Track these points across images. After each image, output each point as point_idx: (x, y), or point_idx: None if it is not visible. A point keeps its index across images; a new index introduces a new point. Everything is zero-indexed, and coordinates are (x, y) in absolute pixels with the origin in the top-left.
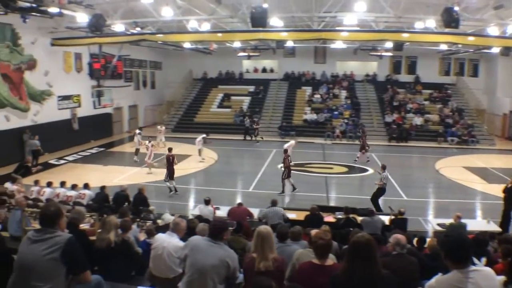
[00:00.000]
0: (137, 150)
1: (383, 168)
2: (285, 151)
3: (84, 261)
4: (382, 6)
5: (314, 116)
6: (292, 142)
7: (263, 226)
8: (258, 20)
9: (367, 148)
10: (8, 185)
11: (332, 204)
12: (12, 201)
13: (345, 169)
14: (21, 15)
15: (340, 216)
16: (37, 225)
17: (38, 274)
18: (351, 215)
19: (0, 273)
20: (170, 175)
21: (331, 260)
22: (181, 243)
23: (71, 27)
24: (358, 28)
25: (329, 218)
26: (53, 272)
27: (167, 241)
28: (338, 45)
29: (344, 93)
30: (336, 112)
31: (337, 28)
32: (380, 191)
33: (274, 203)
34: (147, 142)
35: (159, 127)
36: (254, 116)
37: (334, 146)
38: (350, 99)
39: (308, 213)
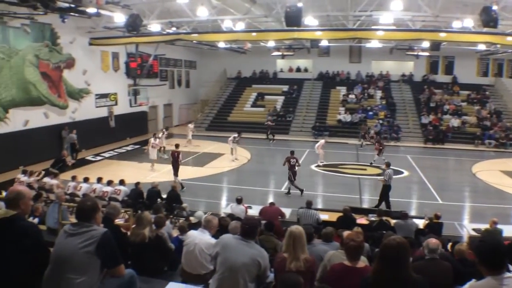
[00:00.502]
0: (163, 147)
1: (388, 165)
2: (292, 152)
3: (118, 255)
4: (419, 4)
5: (348, 117)
6: (322, 141)
7: (295, 226)
8: (293, 19)
9: (381, 148)
10: (47, 179)
11: (365, 206)
12: (49, 195)
13: (379, 171)
14: (60, 15)
15: (373, 219)
16: (73, 219)
17: (74, 267)
18: (384, 218)
19: (36, 265)
20: (175, 171)
21: (362, 262)
22: (213, 240)
23: (109, 27)
24: (394, 27)
25: (361, 220)
26: (88, 265)
27: (199, 237)
28: (374, 44)
29: (379, 93)
30: (371, 113)
31: (372, 27)
32: (386, 188)
33: (309, 204)
34: (152, 139)
35: (190, 125)
36: (270, 114)
37: (368, 147)
38: (386, 100)
39: (340, 214)
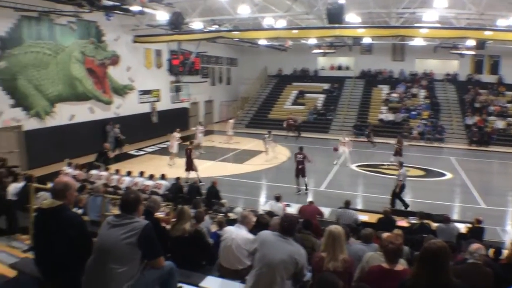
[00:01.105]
0: (199, 144)
1: (400, 165)
2: (300, 148)
3: (159, 247)
4: (463, 2)
5: (390, 116)
6: (347, 139)
7: (334, 226)
8: (335, 17)
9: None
10: (94, 171)
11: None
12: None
13: (421, 173)
14: (105, 13)
15: (414, 221)
16: (116, 211)
17: (116, 257)
18: (425, 221)
19: (80, 254)
20: (188, 167)
21: (401, 265)
22: (250, 235)
23: (152, 24)
24: (438, 25)
25: (402, 222)
26: (129, 256)
27: (236, 233)
28: (417, 42)
29: (423, 93)
30: (414, 112)
31: (416, 25)
32: (402, 187)
33: (347, 204)
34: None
35: (230, 121)
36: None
37: (410, 147)
38: (429, 99)
39: (380, 215)
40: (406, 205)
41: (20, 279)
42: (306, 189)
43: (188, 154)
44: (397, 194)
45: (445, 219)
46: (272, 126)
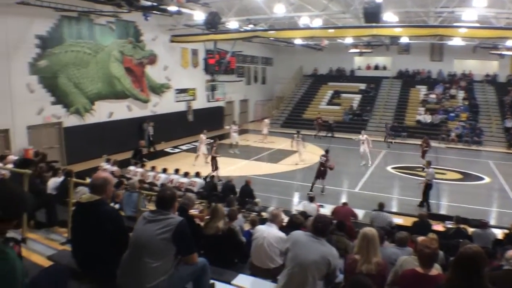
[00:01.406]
0: (235, 143)
1: (429, 164)
2: (327, 151)
3: (193, 244)
4: (503, 1)
5: (428, 117)
6: (365, 136)
7: (368, 228)
8: (372, 16)
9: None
10: (132, 168)
11: (442, 212)
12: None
13: (459, 176)
14: (143, 13)
15: (450, 226)
16: (151, 207)
17: (150, 252)
18: (461, 226)
19: (116, 248)
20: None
21: (436, 270)
22: (281, 233)
23: (189, 24)
24: (477, 25)
25: (438, 226)
26: (164, 251)
27: (267, 231)
28: (456, 42)
29: (461, 94)
30: (452, 114)
31: (455, 24)
32: (428, 187)
33: (381, 207)
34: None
35: (266, 120)
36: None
37: (448, 150)
38: (468, 101)
39: (416, 219)
40: (427, 205)
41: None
42: (322, 192)
43: (214, 151)
44: (425, 193)
45: (482, 224)
46: (307, 126)
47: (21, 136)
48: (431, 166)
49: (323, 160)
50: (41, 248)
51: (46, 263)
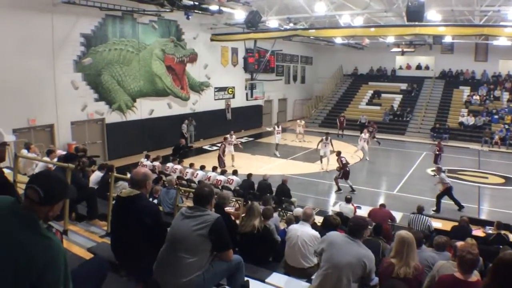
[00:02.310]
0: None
1: (439, 170)
2: (338, 153)
3: (228, 241)
4: None
5: (471, 119)
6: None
7: (405, 231)
8: (414, 14)
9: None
10: (170, 164)
11: (483, 217)
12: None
13: (501, 180)
14: (185, 12)
15: (490, 231)
16: (188, 203)
17: (187, 247)
18: (502, 232)
19: (154, 242)
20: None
21: (475, 276)
22: (315, 232)
23: (229, 23)
24: None
25: (478, 231)
26: (200, 247)
27: (301, 230)
28: (502, 42)
29: (506, 96)
30: (495, 116)
31: (501, 24)
32: (448, 190)
33: (420, 210)
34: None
35: (298, 121)
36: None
37: (491, 153)
38: None
39: (455, 223)
40: (460, 206)
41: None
42: (338, 190)
43: (222, 149)
44: (443, 196)
45: None
46: (346, 126)
47: (65, 131)
48: (442, 172)
49: (344, 160)
50: (81, 240)
51: (86, 254)
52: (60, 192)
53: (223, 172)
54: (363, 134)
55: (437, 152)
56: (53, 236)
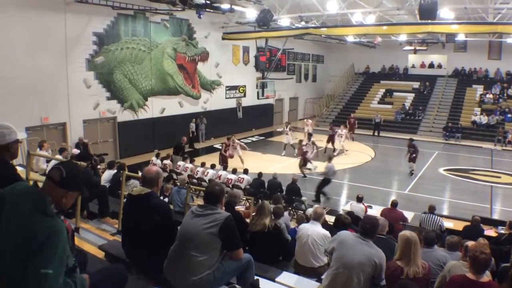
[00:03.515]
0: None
1: (330, 159)
2: (300, 141)
3: (238, 239)
4: None
5: (484, 118)
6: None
7: (408, 231)
8: (427, 12)
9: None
10: (181, 163)
11: (495, 217)
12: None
13: None
14: (196, 11)
15: (502, 231)
16: (199, 201)
17: (197, 245)
18: None
19: (164, 241)
20: (223, 160)
21: (486, 277)
22: (325, 231)
23: (240, 22)
24: None
25: (490, 231)
26: (210, 245)
27: (311, 229)
28: None
29: None
30: (509, 115)
31: None
32: (324, 182)
33: (431, 209)
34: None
35: (305, 120)
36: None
37: (504, 152)
38: None
39: (467, 223)
40: (321, 197)
41: (107, 260)
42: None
43: (224, 149)
44: (320, 187)
45: None
46: (359, 125)
47: (77, 129)
48: (332, 162)
49: (304, 148)
50: (92, 238)
51: (98, 252)
52: (79, 180)
53: (234, 171)
54: (339, 130)
55: (413, 155)
56: (57, 218)
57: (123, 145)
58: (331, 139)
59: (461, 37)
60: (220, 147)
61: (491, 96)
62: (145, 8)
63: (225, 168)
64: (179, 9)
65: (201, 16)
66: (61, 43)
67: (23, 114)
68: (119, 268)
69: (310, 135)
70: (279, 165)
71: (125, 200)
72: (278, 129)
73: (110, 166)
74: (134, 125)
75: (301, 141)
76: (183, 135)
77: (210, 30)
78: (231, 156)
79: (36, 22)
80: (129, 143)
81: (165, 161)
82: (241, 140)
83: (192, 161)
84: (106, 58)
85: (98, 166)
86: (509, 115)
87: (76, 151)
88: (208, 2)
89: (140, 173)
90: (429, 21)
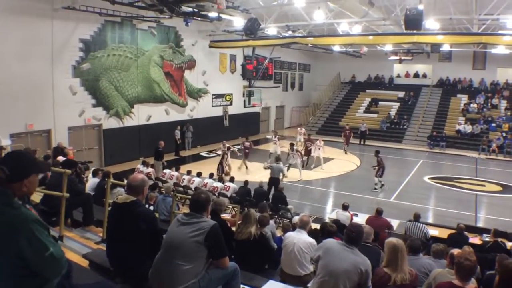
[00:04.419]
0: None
1: (277, 160)
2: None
3: (224, 248)
4: None
5: (468, 127)
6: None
7: (395, 238)
8: (413, 22)
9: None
10: (167, 170)
11: (480, 225)
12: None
13: (499, 188)
14: (184, 19)
15: (487, 239)
16: (185, 210)
17: (182, 254)
18: (499, 239)
19: (150, 249)
20: (221, 170)
21: (472, 284)
22: (311, 239)
23: (228, 30)
24: None
25: (475, 239)
26: (196, 254)
27: (297, 237)
28: (500, 50)
29: (504, 104)
30: (493, 124)
31: (499, 32)
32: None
33: (416, 217)
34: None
35: (299, 129)
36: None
37: (488, 161)
38: (511, 111)
39: (452, 231)
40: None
41: (91, 269)
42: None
43: (222, 157)
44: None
45: None
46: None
47: (62, 136)
48: (279, 163)
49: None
50: (77, 246)
51: (82, 261)
52: (25, 168)
53: (220, 179)
54: (318, 142)
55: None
56: (23, 208)
57: (108, 153)
58: (308, 152)
59: (446, 47)
60: (217, 155)
61: (475, 105)
62: (132, 15)
63: (220, 179)
64: (167, 16)
65: (189, 24)
66: (48, 50)
67: (7, 121)
68: (105, 284)
69: (292, 144)
70: (265, 173)
71: (110, 208)
72: (267, 136)
73: (94, 174)
74: (119, 132)
75: (292, 144)
76: (160, 140)
77: (197, 38)
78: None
79: (22, 28)
80: (114, 150)
81: (149, 169)
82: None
83: (177, 169)
84: (93, 65)
85: (83, 175)
86: (493, 125)
87: (61, 158)
88: (195, 10)
89: (125, 181)
90: (415, 31)
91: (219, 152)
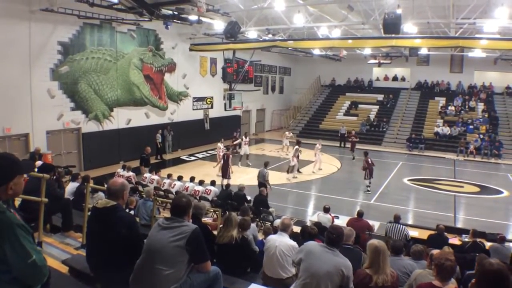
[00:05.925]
0: (242, 155)
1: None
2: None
3: (206, 252)
4: None
5: (446, 129)
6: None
7: (377, 240)
8: (391, 26)
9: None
10: (147, 175)
11: (459, 225)
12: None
13: (477, 189)
14: (164, 22)
15: (466, 239)
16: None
17: (163, 259)
18: (478, 239)
19: (130, 254)
20: (223, 173)
21: (452, 284)
22: (293, 242)
23: (208, 33)
24: (498, 36)
25: (454, 240)
26: (177, 258)
27: (279, 240)
28: (477, 53)
29: (481, 106)
30: (471, 126)
31: (476, 36)
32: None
33: (396, 219)
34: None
35: (287, 133)
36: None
37: (466, 163)
38: (488, 113)
39: (432, 232)
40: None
41: (71, 275)
42: None
43: (226, 160)
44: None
45: (500, 238)
46: (323, 136)
47: (40, 140)
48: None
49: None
50: (56, 252)
51: (61, 267)
52: (8, 170)
53: (201, 183)
54: (317, 145)
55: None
56: (7, 212)
57: (87, 157)
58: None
59: (424, 51)
60: (197, 158)
61: (453, 108)
62: (111, 17)
63: (201, 183)
64: (146, 19)
65: (169, 27)
66: (25, 52)
67: None
68: None
69: (246, 133)
70: (247, 176)
71: (89, 213)
72: (239, 140)
73: (74, 178)
74: (99, 136)
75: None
76: (146, 146)
77: (178, 41)
78: None
79: None
80: (93, 154)
81: (129, 173)
82: (208, 152)
83: (157, 172)
84: (71, 68)
85: (63, 179)
86: (470, 127)
87: (39, 163)
88: (175, 13)
89: (105, 186)
90: (393, 35)
91: (221, 153)
